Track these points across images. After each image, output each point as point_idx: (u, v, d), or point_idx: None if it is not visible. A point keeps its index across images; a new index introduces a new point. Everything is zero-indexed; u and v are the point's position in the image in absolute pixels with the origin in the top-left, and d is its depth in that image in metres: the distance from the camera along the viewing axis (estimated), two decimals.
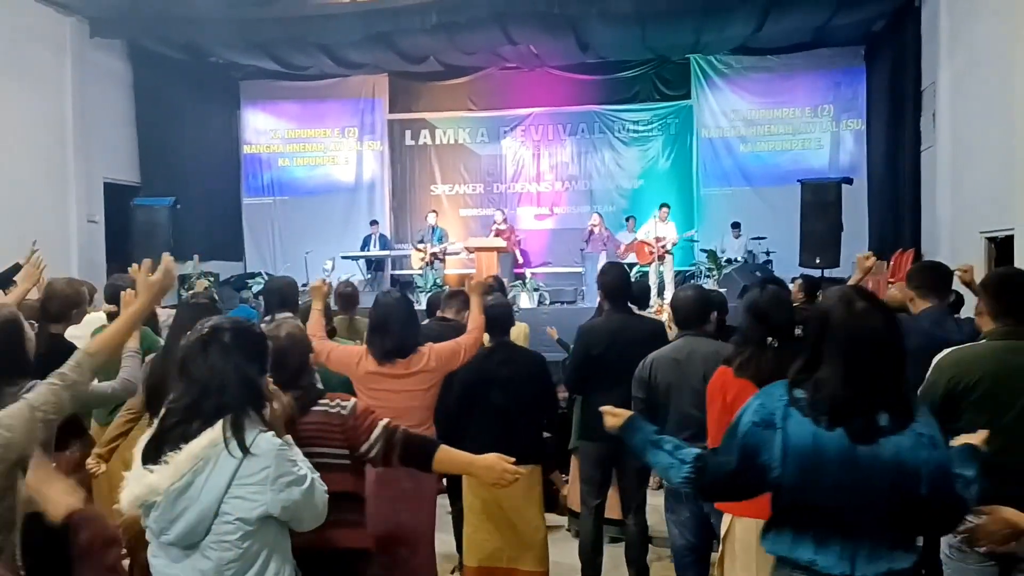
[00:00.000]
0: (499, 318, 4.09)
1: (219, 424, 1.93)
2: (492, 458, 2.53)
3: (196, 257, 12.36)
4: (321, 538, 2.22)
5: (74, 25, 10.89)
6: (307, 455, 2.10)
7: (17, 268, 5.45)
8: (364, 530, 2.64)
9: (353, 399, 2.66)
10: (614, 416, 2.30)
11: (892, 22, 11.12)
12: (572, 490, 5.23)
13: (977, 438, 2.19)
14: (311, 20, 11.11)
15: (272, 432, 2.01)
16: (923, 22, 9.92)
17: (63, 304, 4.09)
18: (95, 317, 4.83)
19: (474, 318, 3.96)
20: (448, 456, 2.60)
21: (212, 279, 11.41)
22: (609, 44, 12.41)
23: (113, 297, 4.44)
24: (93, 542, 1.68)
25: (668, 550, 4.75)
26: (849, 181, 10.86)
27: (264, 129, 14.99)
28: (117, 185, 11.93)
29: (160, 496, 1.91)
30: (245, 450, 1.92)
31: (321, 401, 2.60)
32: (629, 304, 4.44)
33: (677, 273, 12.22)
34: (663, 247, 11.57)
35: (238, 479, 1.91)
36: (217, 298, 7.53)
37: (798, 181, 10.89)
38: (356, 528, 2.58)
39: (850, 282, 3.98)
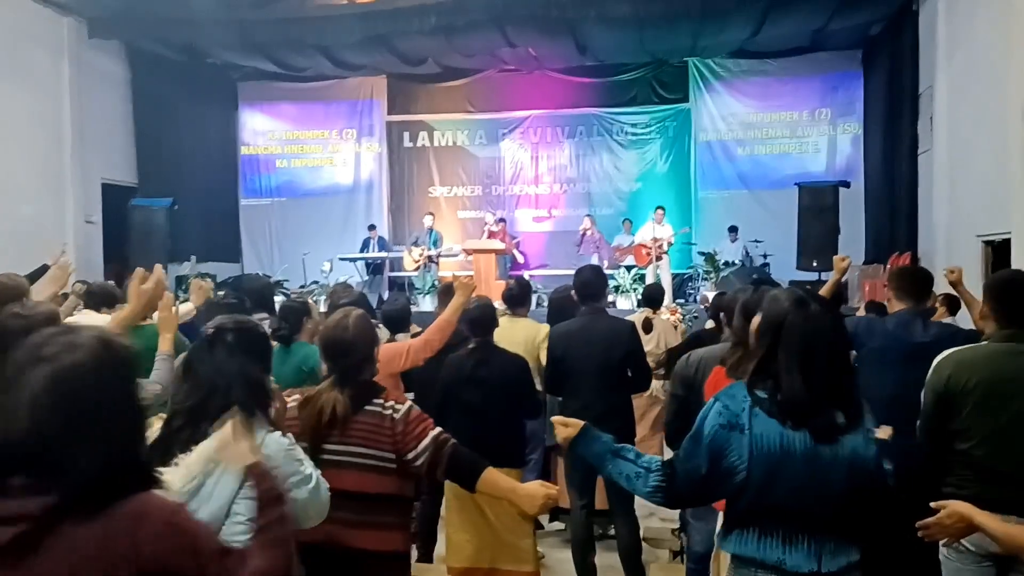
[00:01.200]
0: (481, 319, 4.08)
1: (228, 425, 1.93)
2: (535, 486, 2.49)
3: (193, 258, 12.37)
4: (353, 539, 2.21)
5: (71, 25, 10.90)
6: (353, 455, 2.09)
7: (44, 269, 5.46)
8: (398, 533, 2.58)
9: (408, 402, 2.60)
10: (565, 427, 2.23)
11: (889, 26, 11.16)
12: (562, 490, 5.22)
13: (883, 432, 2.19)
14: (309, 21, 11.13)
15: (279, 432, 2.01)
16: (920, 27, 9.96)
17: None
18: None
19: (440, 318, 3.94)
20: (493, 478, 2.53)
21: (209, 280, 11.41)
22: (607, 47, 12.43)
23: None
24: (271, 492, 1.74)
25: (665, 551, 4.79)
26: (846, 184, 10.89)
27: (262, 130, 14.99)
28: (115, 186, 11.93)
29: None
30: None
31: (375, 400, 2.55)
32: (602, 304, 4.49)
33: (675, 276, 12.26)
34: (660, 248, 11.61)
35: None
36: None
37: (795, 185, 10.93)
38: (390, 530, 2.53)
39: (828, 283, 4.01)
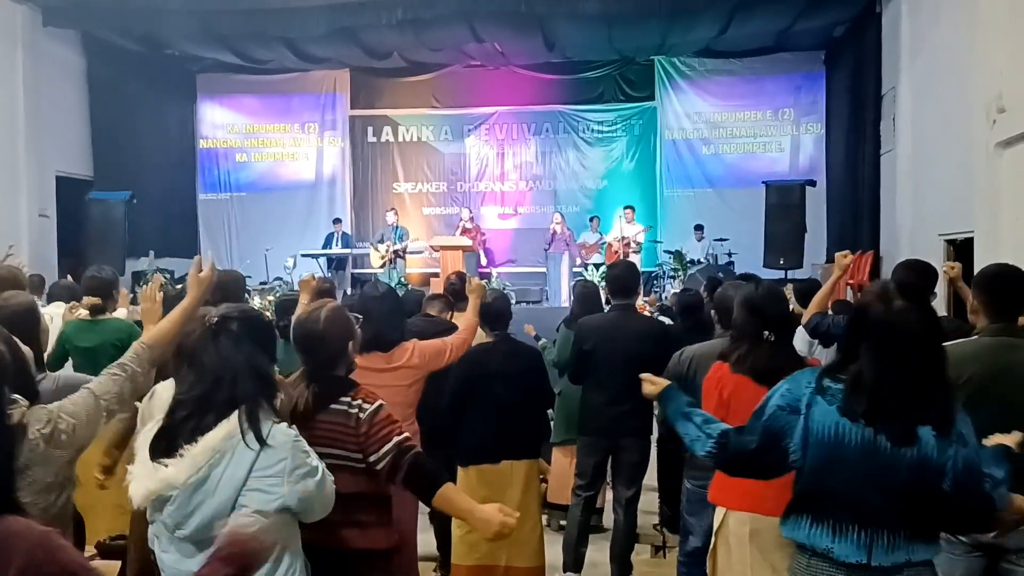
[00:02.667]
0: (501, 312, 4.08)
1: (234, 416, 1.87)
2: (492, 510, 2.39)
3: (152, 253, 12.08)
4: (333, 538, 2.15)
5: (26, 13, 10.52)
6: (322, 455, 2.03)
7: None
8: (379, 531, 2.52)
9: (379, 401, 2.50)
10: (652, 384, 2.40)
11: (852, 28, 11.35)
12: (552, 484, 5.21)
13: (1011, 439, 2.20)
14: (274, 13, 10.91)
15: (285, 423, 1.95)
16: (884, 28, 10.13)
17: None
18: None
19: (467, 319, 3.90)
20: (450, 495, 2.45)
21: (167, 276, 11.15)
22: (575, 44, 12.45)
23: (95, 290, 4.31)
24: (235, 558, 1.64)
25: (647, 546, 4.79)
26: (812, 183, 11.06)
27: (221, 123, 14.71)
28: (70, 179, 11.57)
29: (177, 490, 1.84)
30: (263, 442, 1.87)
31: (343, 399, 2.44)
32: (633, 301, 4.49)
33: (642, 274, 12.31)
34: (628, 247, 11.67)
35: (256, 471, 1.86)
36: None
37: (763, 183, 11.05)
38: (371, 528, 2.47)
39: (829, 280, 4.03)
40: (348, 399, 2.46)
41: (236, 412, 1.89)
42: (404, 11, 10.55)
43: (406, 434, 2.48)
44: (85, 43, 11.96)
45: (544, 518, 5.39)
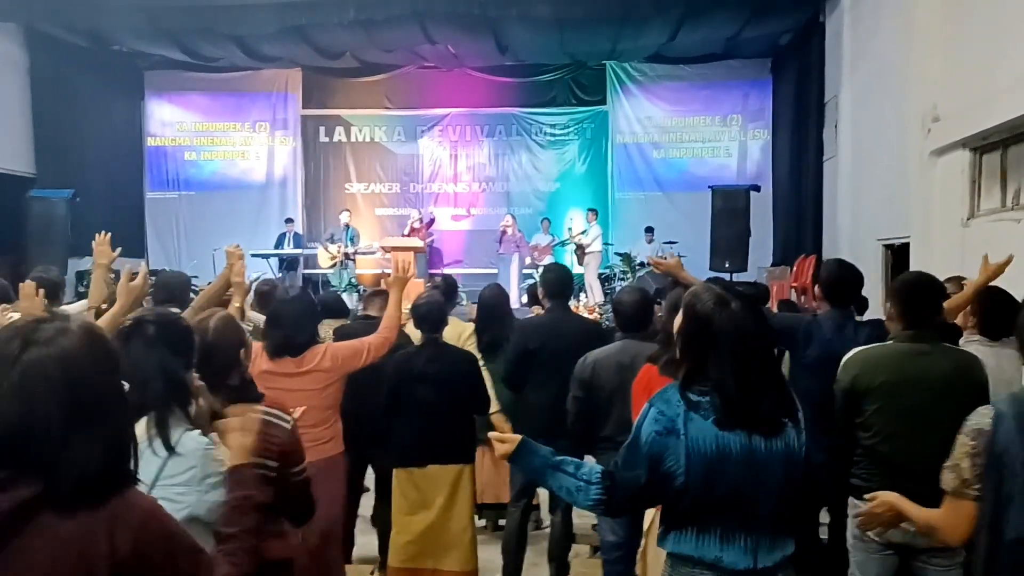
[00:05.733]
0: (428, 315, 4.04)
1: (143, 422, 1.84)
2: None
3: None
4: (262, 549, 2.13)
5: None
6: None
7: None
8: (287, 540, 2.54)
9: (293, 415, 2.52)
10: (503, 442, 2.16)
11: (798, 37, 11.59)
12: (485, 484, 5.19)
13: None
14: (223, 10, 10.75)
15: (198, 431, 1.93)
16: (827, 38, 10.36)
17: None
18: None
19: (388, 316, 3.84)
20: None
21: (112, 276, 10.93)
22: (528, 47, 12.51)
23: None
24: (247, 500, 1.82)
25: (586, 547, 4.85)
26: (757, 188, 11.24)
27: (170, 121, 14.48)
28: (10, 176, 11.30)
29: None
30: (170, 449, 1.84)
31: (257, 407, 2.38)
32: (566, 301, 4.50)
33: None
34: (582, 250, 11.85)
35: (162, 479, 1.83)
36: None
37: (709, 188, 11.21)
38: (283, 538, 2.48)
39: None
40: (264, 408, 2.43)
41: (144, 418, 1.86)
42: (356, 11, 10.50)
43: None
44: (28, 38, 11.69)
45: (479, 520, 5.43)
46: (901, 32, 7.50)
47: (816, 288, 3.80)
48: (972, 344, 3.33)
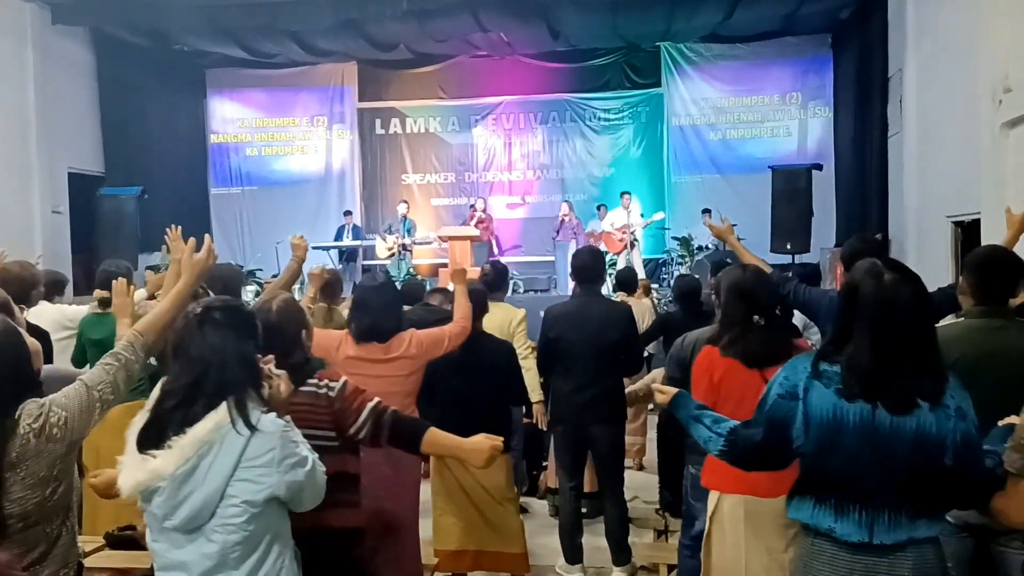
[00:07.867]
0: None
1: (223, 405, 1.90)
2: (479, 439, 2.49)
3: (164, 248, 12.14)
4: (315, 519, 2.20)
5: (35, 11, 10.64)
6: None
7: None
8: (357, 509, 2.61)
9: (343, 378, 2.60)
10: (662, 392, 2.43)
11: (858, 10, 11.27)
12: (550, 470, 5.25)
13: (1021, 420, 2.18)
14: (280, 7, 10.97)
15: (274, 413, 1.99)
16: (889, 10, 10.06)
17: (21, 286, 4.08)
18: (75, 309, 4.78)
19: (459, 307, 3.87)
20: (436, 438, 2.57)
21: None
22: (580, 32, 12.41)
23: (104, 283, 4.38)
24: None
25: (650, 531, 4.84)
26: (819, 167, 10.99)
27: (231, 118, 14.79)
28: (81, 175, 11.71)
29: (165, 481, 1.87)
30: (253, 428, 1.90)
31: (310, 381, 2.53)
32: (599, 287, 4.47)
33: (649, 261, 12.35)
34: (632, 235, 11.70)
35: (244, 461, 1.89)
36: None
37: (769, 168, 11.00)
38: (348, 508, 2.54)
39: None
40: (315, 380, 2.55)
41: (224, 402, 1.91)
42: (409, 2, 10.59)
43: (377, 398, 2.58)
44: (94, 40, 12.07)
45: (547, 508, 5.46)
46: (969, 1, 7.25)
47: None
48: None
